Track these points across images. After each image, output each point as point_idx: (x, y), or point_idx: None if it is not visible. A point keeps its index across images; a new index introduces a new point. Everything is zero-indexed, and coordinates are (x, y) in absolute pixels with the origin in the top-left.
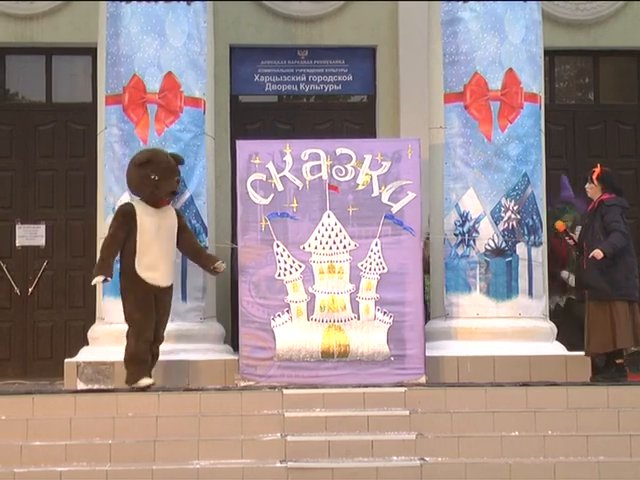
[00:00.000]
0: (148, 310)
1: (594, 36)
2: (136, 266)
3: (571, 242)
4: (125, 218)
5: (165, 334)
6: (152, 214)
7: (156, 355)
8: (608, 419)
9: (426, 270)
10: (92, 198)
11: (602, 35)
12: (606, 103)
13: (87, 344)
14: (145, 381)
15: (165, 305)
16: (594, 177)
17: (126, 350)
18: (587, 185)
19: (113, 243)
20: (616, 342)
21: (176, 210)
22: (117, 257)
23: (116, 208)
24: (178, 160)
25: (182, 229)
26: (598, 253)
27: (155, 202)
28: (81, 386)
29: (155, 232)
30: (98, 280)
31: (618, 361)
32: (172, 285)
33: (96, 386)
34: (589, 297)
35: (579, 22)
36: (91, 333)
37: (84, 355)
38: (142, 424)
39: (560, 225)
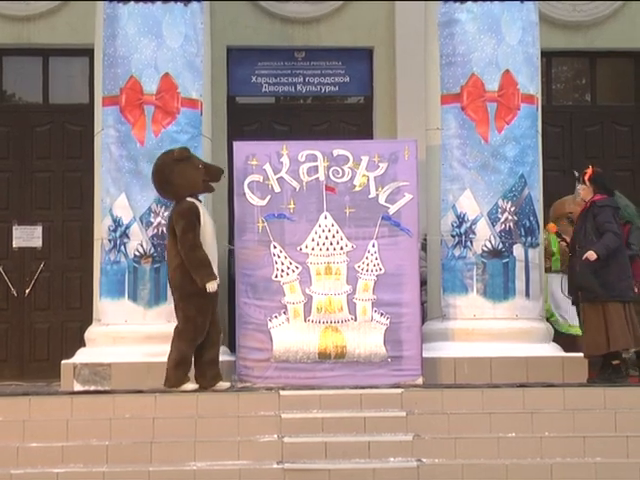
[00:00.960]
0: (210, 314)
1: (591, 37)
2: None
3: (564, 243)
4: (197, 216)
5: (161, 335)
6: (207, 212)
7: (218, 354)
8: (605, 420)
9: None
10: (89, 199)
11: (599, 36)
12: (603, 104)
13: (84, 345)
14: (189, 385)
15: (217, 303)
16: (586, 178)
17: (176, 352)
18: (578, 186)
19: (200, 244)
20: (610, 344)
21: None
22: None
23: (179, 210)
24: None
25: None
26: (591, 254)
27: (204, 191)
28: (78, 387)
29: (211, 228)
30: (214, 287)
31: (614, 362)
32: None
33: (93, 387)
34: (582, 299)
35: (576, 23)
36: (88, 334)
37: (81, 356)
38: (139, 425)
39: (551, 227)
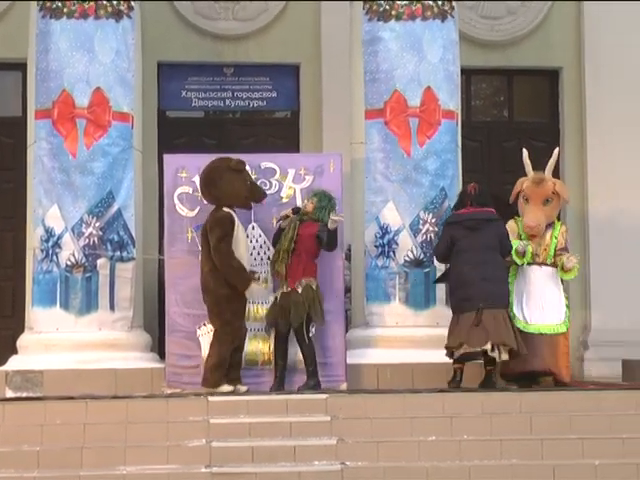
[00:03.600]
0: (244, 318)
1: (508, 56)
2: None
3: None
4: (232, 225)
5: (92, 343)
6: (240, 223)
7: (242, 357)
8: (521, 424)
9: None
10: (22, 210)
11: (516, 55)
12: (520, 120)
13: (16, 353)
14: (227, 387)
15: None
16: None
17: (215, 355)
18: None
19: (233, 252)
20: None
21: None
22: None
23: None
24: None
25: None
26: None
27: (243, 207)
28: (10, 394)
29: (244, 238)
30: (257, 286)
31: (487, 368)
32: None
33: (25, 394)
34: None
35: (494, 42)
36: (20, 342)
37: (13, 364)
38: (70, 431)
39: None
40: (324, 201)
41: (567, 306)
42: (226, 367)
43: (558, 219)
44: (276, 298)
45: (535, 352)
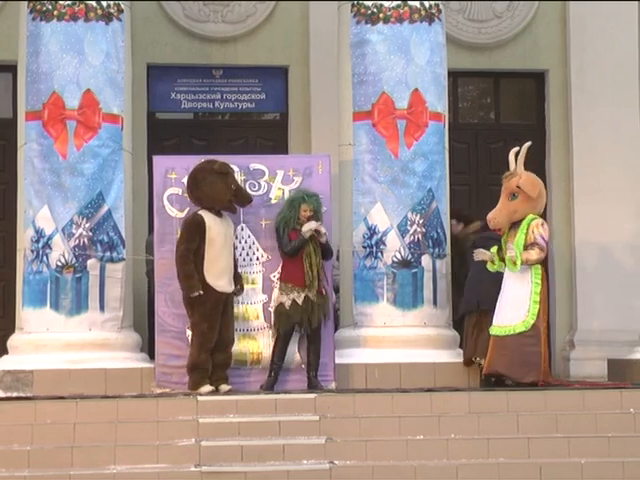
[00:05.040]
0: (215, 320)
1: (495, 59)
2: (206, 276)
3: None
4: (197, 229)
5: (82, 343)
6: (219, 223)
7: (230, 358)
8: (508, 423)
9: None
10: (12, 211)
11: (503, 58)
12: (506, 122)
13: (7, 353)
14: (206, 388)
15: (231, 309)
16: None
17: (189, 357)
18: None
19: (190, 256)
20: None
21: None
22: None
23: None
24: None
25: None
26: None
27: (226, 209)
28: (0, 394)
29: (223, 240)
30: (194, 294)
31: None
32: None
33: (15, 394)
34: None
35: (481, 45)
36: (10, 342)
37: (3, 364)
38: (60, 430)
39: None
40: (318, 206)
41: (535, 302)
42: (205, 368)
43: (542, 215)
44: (294, 301)
45: (489, 354)
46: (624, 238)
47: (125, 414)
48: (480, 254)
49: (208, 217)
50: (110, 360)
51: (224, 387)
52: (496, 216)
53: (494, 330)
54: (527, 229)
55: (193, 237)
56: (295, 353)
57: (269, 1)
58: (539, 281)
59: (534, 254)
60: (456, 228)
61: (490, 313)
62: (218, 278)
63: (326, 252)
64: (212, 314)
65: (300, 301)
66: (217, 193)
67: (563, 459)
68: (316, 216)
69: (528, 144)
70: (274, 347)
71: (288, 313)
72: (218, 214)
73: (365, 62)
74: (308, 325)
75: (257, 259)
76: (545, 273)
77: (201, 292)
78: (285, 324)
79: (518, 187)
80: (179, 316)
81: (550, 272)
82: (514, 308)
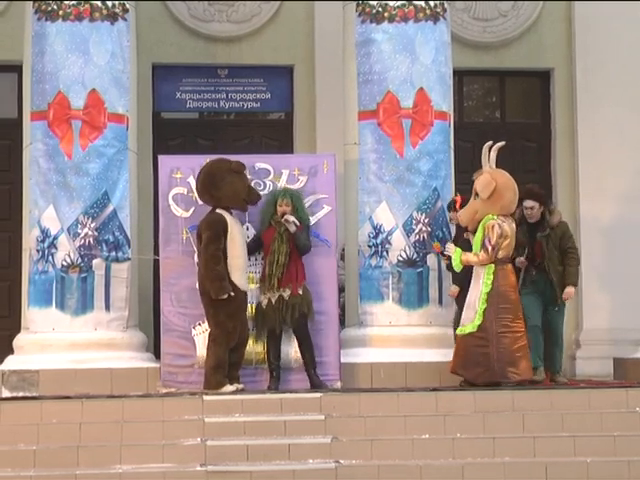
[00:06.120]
0: (241, 319)
1: (500, 57)
2: (231, 275)
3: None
4: (223, 228)
5: (88, 343)
6: (236, 222)
7: (242, 357)
8: (513, 422)
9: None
10: (18, 211)
11: (508, 56)
12: (511, 121)
13: (12, 353)
14: (229, 388)
15: (247, 307)
16: (458, 207)
17: (213, 357)
18: (451, 214)
19: (221, 256)
20: None
21: None
22: None
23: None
24: None
25: None
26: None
27: (240, 208)
28: (6, 394)
29: (242, 239)
30: (224, 296)
31: None
32: None
33: (21, 394)
34: None
35: (486, 44)
36: (16, 342)
37: (9, 364)
38: (66, 430)
39: (436, 246)
40: (297, 201)
41: (484, 302)
42: (226, 368)
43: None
44: (269, 300)
45: (453, 354)
46: (630, 237)
47: (131, 414)
48: (450, 249)
49: (227, 216)
50: (116, 360)
51: (237, 386)
52: (460, 214)
53: (457, 330)
54: (483, 230)
55: (219, 237)
56: (292, 353)
57: (274, 1)
58: (489, 282)
59: (472, 256)
60: (457, 218)
61: None
62: (241, 277)
63: (299, 249)
64: (238, 313)
65: (274, 300)
66: (237, 192)
67: (569, 458)
68: (296, 211)
69: (501, 144)
70: (267, 347)
71: (264, 312)
72: (231, 213)
73: (370, 61)
74: (284, 325)
75: (262, 258)
76: (515, 273)
77: (232, 293)
78: (263, 324)
79: None
80: (185, 315)
81: None
82: (467, 308)
